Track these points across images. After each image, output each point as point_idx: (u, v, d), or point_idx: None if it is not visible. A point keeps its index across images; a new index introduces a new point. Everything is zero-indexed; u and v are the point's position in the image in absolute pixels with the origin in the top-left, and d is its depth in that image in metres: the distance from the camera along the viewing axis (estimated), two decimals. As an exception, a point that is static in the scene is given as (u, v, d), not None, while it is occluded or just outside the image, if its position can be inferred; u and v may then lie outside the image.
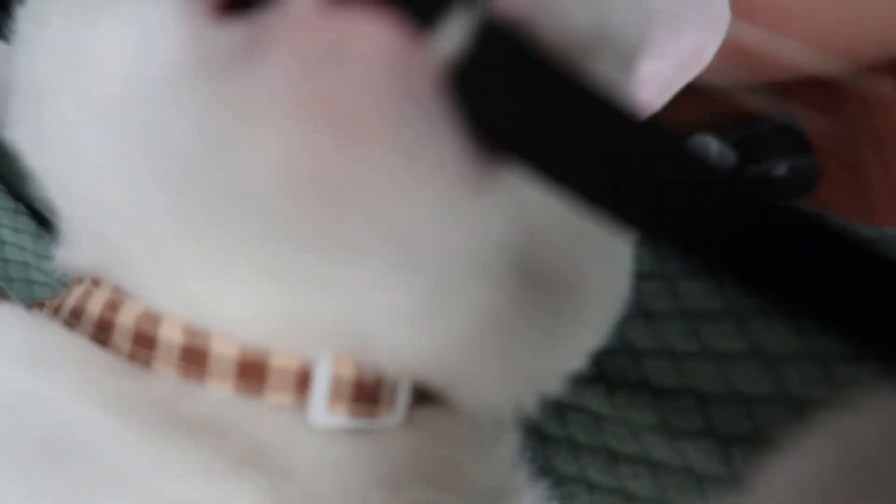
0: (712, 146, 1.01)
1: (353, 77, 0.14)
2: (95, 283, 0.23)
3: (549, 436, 0.30)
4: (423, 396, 0.21)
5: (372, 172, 0.14)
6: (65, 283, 0.26)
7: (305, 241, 0.16)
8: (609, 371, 0.28)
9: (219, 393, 0.20)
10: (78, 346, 0.21)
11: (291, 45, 0.15)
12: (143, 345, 0.21)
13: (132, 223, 0.19)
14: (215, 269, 0.19)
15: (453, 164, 0.15)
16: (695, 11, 0.32)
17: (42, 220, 0.49)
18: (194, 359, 0.20)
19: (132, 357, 0.21)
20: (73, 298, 0.23)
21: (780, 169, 1.04)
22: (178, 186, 0.17)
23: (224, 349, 0.20)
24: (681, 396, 0.27)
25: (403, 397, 0.21)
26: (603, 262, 0.21)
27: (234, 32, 0.16)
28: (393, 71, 0.14)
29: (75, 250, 0.24)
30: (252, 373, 0.20)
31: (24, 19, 0.21)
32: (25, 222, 0.49)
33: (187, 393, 0.20)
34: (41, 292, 0.48)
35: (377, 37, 0.14)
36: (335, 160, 0.14)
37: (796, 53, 1.07)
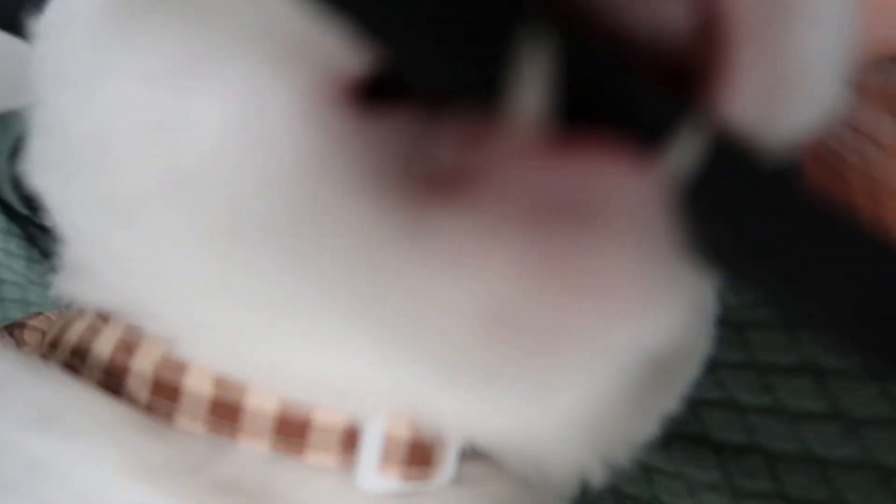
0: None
1: (601, 231, 0.11)
2: (103, 318, 0.21)
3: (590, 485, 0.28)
4: (472, 451, 0.19)
5: (595, 323, 0.12)
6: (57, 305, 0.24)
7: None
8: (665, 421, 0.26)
9: (254, 451, 0.18)
10: (96, 401, 0.19)
11: (516, 187, 0.12)
12: (165, 395, 0.19)
13: (190, 297, 0.17)
14: (275, 335, 0.16)
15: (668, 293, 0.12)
16: None
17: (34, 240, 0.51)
18: (226, 413, 0.18)
19: (150, 408, 0.19)
20: (74, 334, 0.21)
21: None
22: (286, 276, 0.14)
23: (261, 404, 0.18)
24: (748, 454, 0.25)
25: (454, 455, 0.19)
26: (700, 334, 0.19)
27: (404, 145, 0.13)
28: (641, 221, 0.12)
29: (86, 287, 0.21)
30: (292, 430, 0.18)
31: (77, 62, 0.18)
32: (17, 244, 0.50)
33: (219, 451, 0.18)
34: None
35: (626, 184, 0.12)
36: (556, 313, 0.12)
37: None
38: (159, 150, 0.15)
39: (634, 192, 0.12)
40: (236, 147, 0.14)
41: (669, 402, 0.20)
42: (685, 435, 0.26)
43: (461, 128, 0.12)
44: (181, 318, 0.18)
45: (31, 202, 0.55)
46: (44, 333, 0.27)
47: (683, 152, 0.12)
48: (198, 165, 0.15)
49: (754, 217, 0.13)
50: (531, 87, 0.12)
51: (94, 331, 0.21)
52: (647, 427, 0.20)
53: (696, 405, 0.25)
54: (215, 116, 0.14)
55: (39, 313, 0.38)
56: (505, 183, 0.12)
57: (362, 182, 0.12)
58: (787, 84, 0.13)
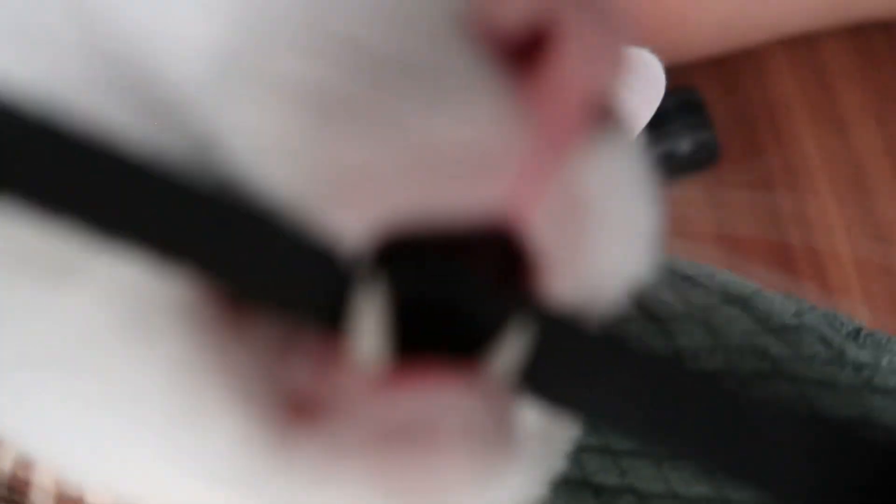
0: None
1: (438, 448, 0.13)
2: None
3: None
4: None
5: None
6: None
7: None
8: None
9: None
10: None
11: (360, 414, 0.13)
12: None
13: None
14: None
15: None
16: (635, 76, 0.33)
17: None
18: None
19: None
20: None
21: (684, 146, 1.08)
22: None
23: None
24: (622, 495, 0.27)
25: None
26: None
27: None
28: (475, 428, 0.13)
29: None
30: None
31: None
32: None
33: None
34: None
35: (459, 399, 0.13)
36: None
37: (695, 33, 1.09)
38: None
39: (467, 404, 0.13)
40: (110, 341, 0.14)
41: None
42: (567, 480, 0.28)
43: (313, 350, 0.14)
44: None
45: None
46: None
47: (515, 343, 0.14)
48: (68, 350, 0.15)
49: (594, 379, 0.15)
50: (366, 329, 0.13)
51: None
52: None
53: (576, 451, 0.28)
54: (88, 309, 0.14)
55: None
56: (350, 410, 0.13)
57: (231, 398, 0.14)
58: (598, 274, 0.15)
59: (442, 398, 0.13)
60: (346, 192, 0.12)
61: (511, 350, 0.14)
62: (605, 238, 0.15)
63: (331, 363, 0.14)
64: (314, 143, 0.12)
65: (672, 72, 1.05)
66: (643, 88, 0.32)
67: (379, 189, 0.12)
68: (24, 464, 0.22)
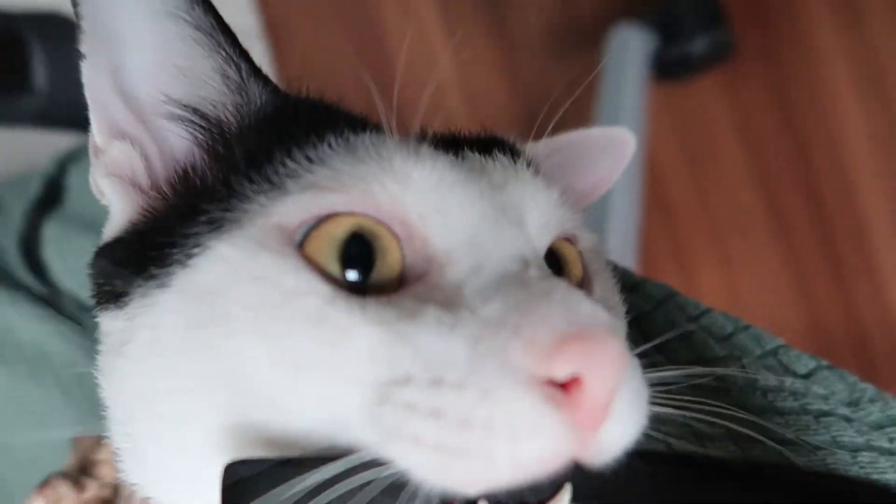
0: (635, 34, 1.07)
1: None
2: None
3: None
4: None
5: None
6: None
7: None
8: None
9: None
10: None
11: None
12: None
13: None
14: None
15: None
16: (609, 143, 0.43)
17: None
18: None
19: None
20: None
21: (698, 45, 1.10)
22: None
23: None
24: None
25: None
26: None
27: None
28: None
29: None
30: None
31: None
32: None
33: None
34: None
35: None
36: None
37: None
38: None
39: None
40: None
41: None
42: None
43: None
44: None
45: (38, 267, 0.57)
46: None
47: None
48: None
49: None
50: None
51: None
52: None
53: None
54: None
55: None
56: None
57: None
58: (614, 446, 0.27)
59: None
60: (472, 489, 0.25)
61: None
62: (621, 426, 0.27)
63: None
64: (444, 469, 0.25)
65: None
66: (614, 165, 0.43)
67: (490, 482, 0.25)
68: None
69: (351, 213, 0.29)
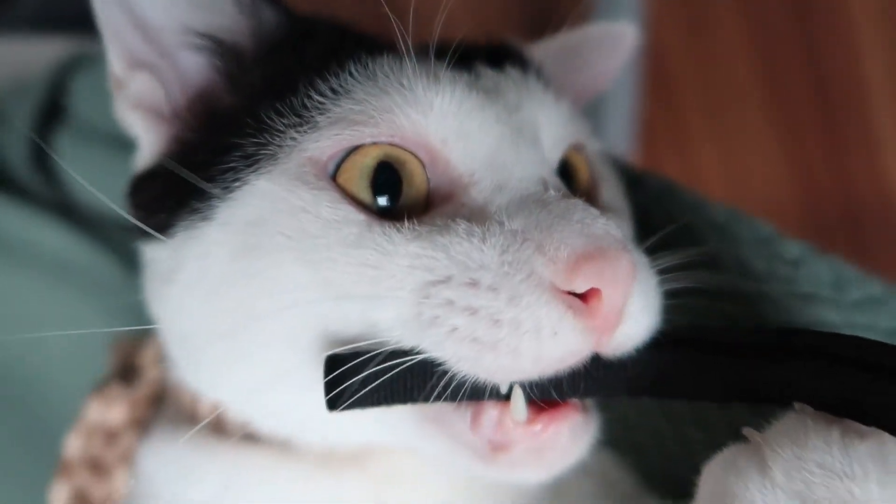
0: None
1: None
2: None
3: None
4: None
5: None
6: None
7: None
8: None
9: None
10: (264, 462, 0.36)
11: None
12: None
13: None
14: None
15: None
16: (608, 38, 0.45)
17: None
18: None
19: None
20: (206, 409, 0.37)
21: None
22: None
23: None
24: None
25: None
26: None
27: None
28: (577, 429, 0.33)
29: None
30: None
31: None
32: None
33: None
34: None
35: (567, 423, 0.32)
36: None
37: None
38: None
39: (572, 421, 0.33)
40: None
41: None
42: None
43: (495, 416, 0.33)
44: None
45: (51, 176, 0.57)
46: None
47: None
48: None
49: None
50: (518, 404, 0.32)
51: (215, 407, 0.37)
52: None
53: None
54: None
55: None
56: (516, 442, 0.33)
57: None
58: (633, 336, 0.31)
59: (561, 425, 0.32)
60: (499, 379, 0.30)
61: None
62: (635, 326, 0.31)
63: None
64: (476, 359, 0.29)
65: None
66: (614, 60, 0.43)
67: (516, 375, 0.30)
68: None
69: (378, 143, 0.31)
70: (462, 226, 0.30)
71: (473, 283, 0.29)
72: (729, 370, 0.30)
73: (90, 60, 0.59)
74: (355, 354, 0.30)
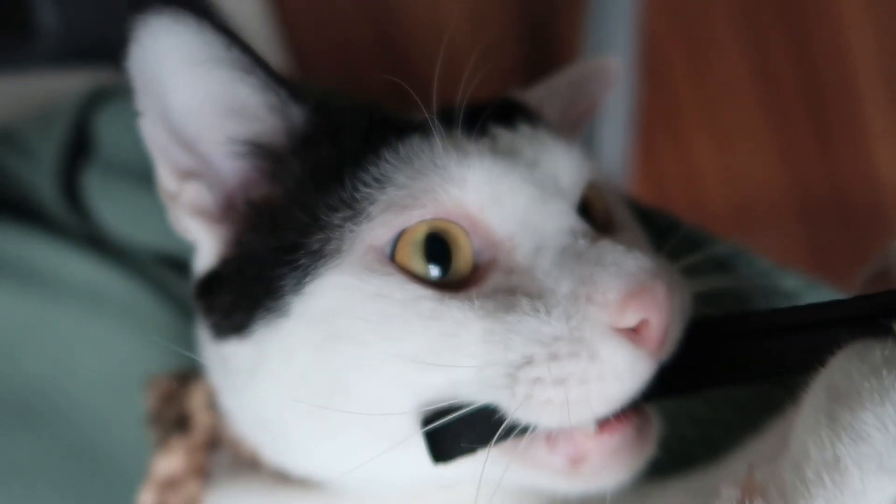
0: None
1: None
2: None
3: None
4: None
5: None
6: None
7: None
8: None
9: None
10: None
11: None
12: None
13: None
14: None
15: None
16: (593, 73, 0.49)
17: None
18: None
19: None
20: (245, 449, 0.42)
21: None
22: None
23: None
24: None
25: None
26: None
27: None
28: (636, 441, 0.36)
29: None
30: None
31: None
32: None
33: None
34: None
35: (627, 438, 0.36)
36: None
37: None
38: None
39: (628, 435, 0.36)
40: None
41: None
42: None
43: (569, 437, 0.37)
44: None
45: (82, 210, 0.58)
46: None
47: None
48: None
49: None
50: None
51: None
52: None
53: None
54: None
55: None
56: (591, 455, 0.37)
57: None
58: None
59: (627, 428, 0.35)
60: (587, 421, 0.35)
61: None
62: (675, 336, 0.35)
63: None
64: (570, 415, 0.34)
65: None
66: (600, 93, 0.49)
67: (603, 413, 0.34)
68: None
69: (424, 220, 0.35)
70: (524, 301, 0.33)
71: (554, 357, 0.32)
72: (758, 350, 0.34)
73: (113, 93, 0.61)
74: (448, 410, 0.34)
